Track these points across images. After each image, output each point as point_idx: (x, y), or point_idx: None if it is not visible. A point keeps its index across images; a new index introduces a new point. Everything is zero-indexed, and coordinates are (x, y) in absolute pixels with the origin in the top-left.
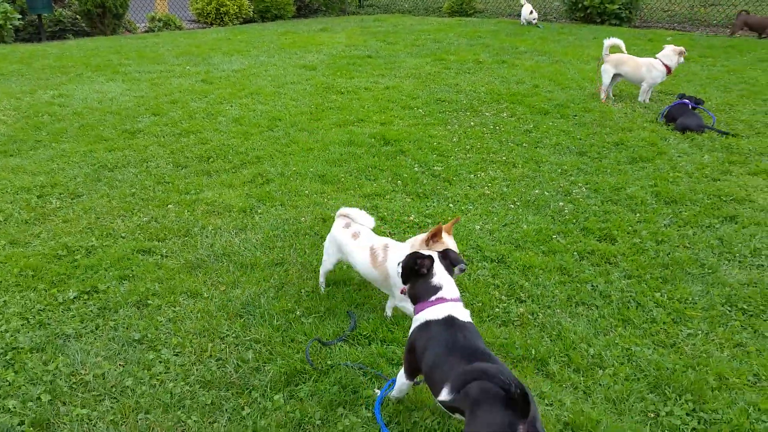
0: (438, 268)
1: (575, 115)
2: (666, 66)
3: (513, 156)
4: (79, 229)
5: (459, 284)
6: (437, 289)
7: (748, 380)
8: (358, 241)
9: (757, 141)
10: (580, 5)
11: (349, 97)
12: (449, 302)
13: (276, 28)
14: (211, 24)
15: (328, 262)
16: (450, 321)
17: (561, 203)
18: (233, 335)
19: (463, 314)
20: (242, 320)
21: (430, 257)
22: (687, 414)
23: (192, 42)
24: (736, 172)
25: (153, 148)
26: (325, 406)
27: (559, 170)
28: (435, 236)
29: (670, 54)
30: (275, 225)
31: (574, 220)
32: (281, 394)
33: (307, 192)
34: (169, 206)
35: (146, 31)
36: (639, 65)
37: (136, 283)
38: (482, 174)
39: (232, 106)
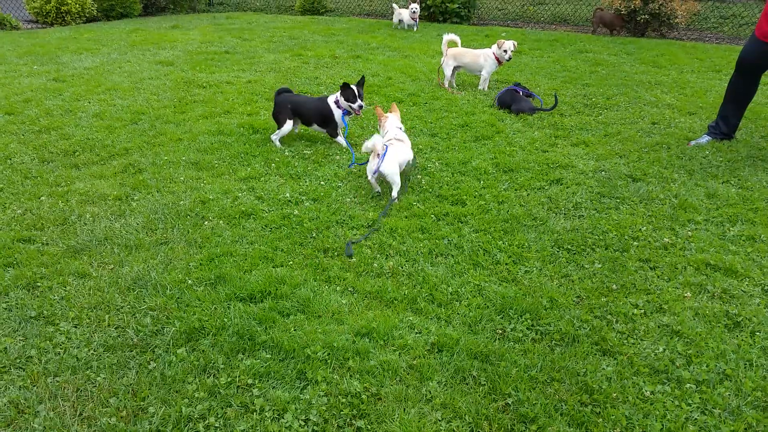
0: None
1: (426, 103)
2: (496, 57)
3: None
4: None
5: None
6: None
7: (573, 300)
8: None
9: (578, 119)
10: (423, 5)
11: (212, 90)
12: None
13: (124, 26)
14: (52, 24)
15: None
16: None
17: (419, 176)
18: (128, 306)
19: None
20: (135, 293)
21: None
22: (527, 328)
23: (35, 42)
24: (560, 144)
25: (14, 146)
26: (226, 353)
27: (416, 149)
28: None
29: (495, 47)
30: (154, 209)
31: (430, 189)
32: (184, 348)
33: (182, 179)
34: (42, 198)
35: None
36: (477, 55)
37: (22, 269)
38: (349, 155)
39: (90, 102)
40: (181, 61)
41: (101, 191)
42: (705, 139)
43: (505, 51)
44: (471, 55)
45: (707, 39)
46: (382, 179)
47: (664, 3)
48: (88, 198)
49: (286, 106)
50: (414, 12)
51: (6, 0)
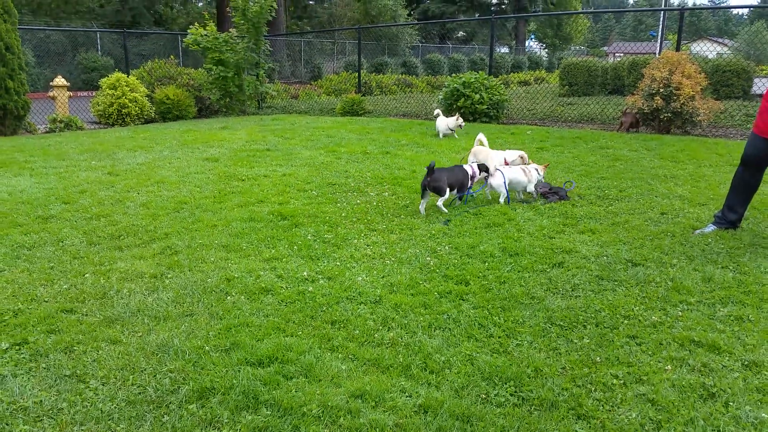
0: None
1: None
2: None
3: (392, 225)
4: (5, 297)
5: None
6: None
7: (558, 371)
8: None
9: (588, 209)
10: (454, 106)
11: (249, 183)
12: None
13: (178, 126)
14: (113, 124)
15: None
16: None
17: (428, 258)
18: (151, 368)
19: None
20: (158, 357)
21: None
22: (510, 394)
23: (95, 140)
24: (568, 232)
25: (66, 230)
26: (231, 409)
27: (429, 235)
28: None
29: (511, 154)
30: (184, 286)
31: (437, 270)
32: (195, 404)
33: (212, 259)
34: (86, 275)
35: (47, 132)
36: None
37: (62, 335)
38: (365, 239)
39: (138, 193)
40: (225, 157)
41: (139, 270)
42: (710, 228)
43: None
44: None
45: (732, 136)
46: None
47: (685, 102)
48: (127, 276)
49: (443, 177)
50: (461, 126)
51: (75, 104)
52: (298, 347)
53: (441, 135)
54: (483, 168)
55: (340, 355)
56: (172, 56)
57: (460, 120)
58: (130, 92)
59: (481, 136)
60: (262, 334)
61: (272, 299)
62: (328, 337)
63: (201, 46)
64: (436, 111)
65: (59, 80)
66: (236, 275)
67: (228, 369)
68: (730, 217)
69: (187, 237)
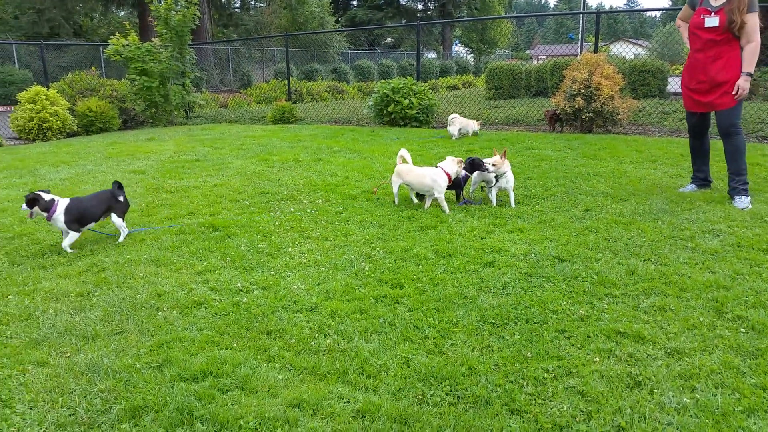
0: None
1: (378, 198)
2: (447, 174)
3: (326, 232)
4: None
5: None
6: None
7: (491, 368)
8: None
9: (516, 209)
10: (384, 111)
11: (179, 195)
12: None
13: (102, 139)
14: (34, 140)
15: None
16: None
17: (363, 264)
18: (81, 389)
19: None
20: (87, 377)
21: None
22: (446, 393)
23: (15, 156)
24: (497, 232)
25: None
26: (165, 427)
27: (363, 240)
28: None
29: (449, 163)
30: (112, 303)
31: (372, 275)
32: (127, 424)
33: (141, 275)
34: (9, 297)
35: None
36: (423, 175)
37: None
38: (300, 247)
39: None
40: (153, 169)
41: (65, 289)
42: (690, 187)
43: (459, 163)
44: (416, 174)
45: (650, 133)
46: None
47: (605, 102)
48: (52, 295)
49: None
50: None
51: None
52: (234, 360)
53: (455, 137)
54: (473, 168)
55: (276, 365)
56: (93, 68)
57: (477, 126)
58: (50, 106)
59: (403, 152)
60: (196, 348)
61: (206, 312)
62: (264, 347)
63: (123, 56)
64: (453, 115)
65: None
66: (167, 290)
67: (161, 386)
68: (701, 176)
69: (114, 252)
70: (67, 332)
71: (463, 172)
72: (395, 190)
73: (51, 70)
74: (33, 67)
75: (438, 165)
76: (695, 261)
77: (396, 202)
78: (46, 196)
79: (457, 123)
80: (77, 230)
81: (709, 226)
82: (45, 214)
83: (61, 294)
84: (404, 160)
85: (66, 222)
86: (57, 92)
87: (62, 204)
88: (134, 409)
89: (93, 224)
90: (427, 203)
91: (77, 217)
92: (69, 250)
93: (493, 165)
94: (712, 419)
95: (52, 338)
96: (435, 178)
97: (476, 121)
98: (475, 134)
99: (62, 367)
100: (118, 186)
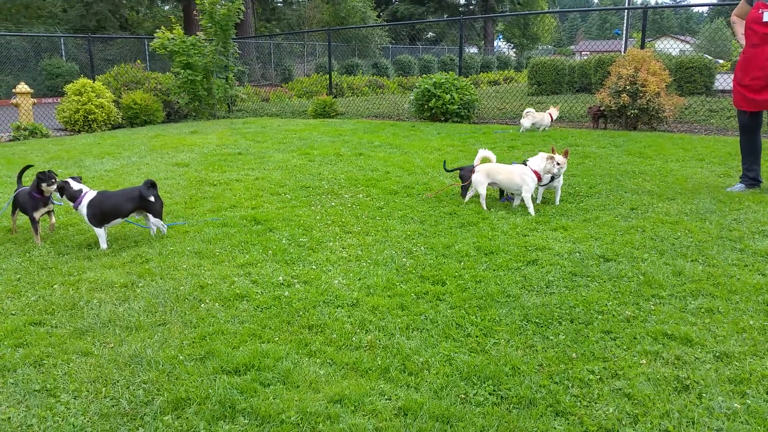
0: None
1: (419, 194)
2: (536, 172)
3: (367, 227)
4: None
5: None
6: None
7: (535, 368)
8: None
9: (560, 206)
10: (426, 106)
11: (221, 188)
12: None
13: (146, 132)
14: (79, 131)
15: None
16: None
17: (404, 259)
18: (124, 380)
19: None
20: (131, 368)
21: None
22: (489, 393)
23: (61, 147)
24: (540, 229)
25: (32, 241)
26: (208, 420)
27: (404, 236)
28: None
29: (539, 160)
30: (156, 294)
31: (414, 271)
32: (170, 416)
33: (185, 266)
34: (55, 286)
35: (11, 140)
36: (513, 172)
37: (31, 348)
38: (341, 242)
39: None
40: (196, 162)
41: (110, 279)
42: (739, 186)
43: (549, 159)
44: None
45: (696, 131)
46: None
47: (651, 99)
48: (97, 285)
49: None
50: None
51: (39, 111)
52: (275, 353)
53: (525, 129)
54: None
55: (317, 360)
56: (138, 61)
57: (557, 112)
58: (96, 98)
59: (486, 152)
60: (238, 341)
61: (247, 305)
62: (305, 342)
63: (168, 50)
64: (527, 109)
65: (22, 87)
66: (210, 282)
67: (203, 378)
68: (751, 175)
69: (157, 244)
70: (111, 323)
71: (555, 168)
72: (482, 191)
73: (97, 63)
74: (80, 59)
75: (527, 161)
76: (744, 263)
77: (484, 206)
78: (75, 185)
79: (531, 117)
80: (97, 225)
81: (759, 227)
82: (72, 204)
83: (105, 284)
84: (487, 160)
85: (87, 216)
86: (103, 85)
87: (88, 196)
88: (177, 401)
89: (120, 220)
90: (516, 202)
91: (99, 213)
92: (104, 246)
93: (558, 164)
94: (764, 426)
95: (96, 328)
96: (524, 176)
97: (555, 105)
98: (544, 130)
99: (106, 357)
100: (150, 185)
